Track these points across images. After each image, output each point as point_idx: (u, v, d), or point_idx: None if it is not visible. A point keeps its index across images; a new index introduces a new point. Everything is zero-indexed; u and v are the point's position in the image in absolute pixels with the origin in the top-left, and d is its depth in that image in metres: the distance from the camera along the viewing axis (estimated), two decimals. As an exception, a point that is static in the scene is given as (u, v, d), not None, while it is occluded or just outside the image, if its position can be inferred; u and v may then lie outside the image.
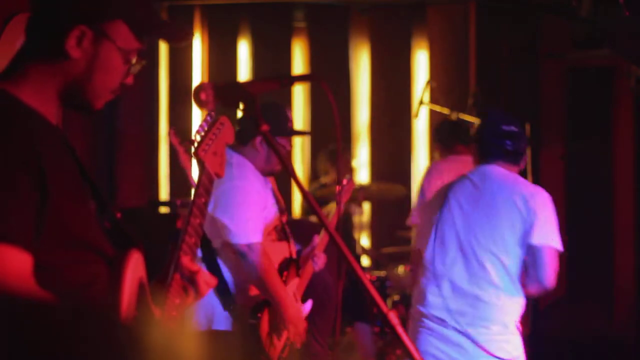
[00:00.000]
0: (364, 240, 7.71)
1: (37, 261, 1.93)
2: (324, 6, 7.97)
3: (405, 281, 6.54)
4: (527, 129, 4.92)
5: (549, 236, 3.79)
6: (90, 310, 1.69)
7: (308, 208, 7.55)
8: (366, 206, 7.69)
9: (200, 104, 2.31)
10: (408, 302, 6.29)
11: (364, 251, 7.19)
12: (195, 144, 2.47)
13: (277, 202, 4.36)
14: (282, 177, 4.03)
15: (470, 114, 6.62)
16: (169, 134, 4.84)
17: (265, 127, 2.26)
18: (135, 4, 2.12)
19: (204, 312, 4.10)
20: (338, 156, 4.12)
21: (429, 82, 7.00)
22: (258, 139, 4.22)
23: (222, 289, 4.11)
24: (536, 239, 3.78)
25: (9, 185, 1.90)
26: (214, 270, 4.00)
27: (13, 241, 1.89)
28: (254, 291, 4.17)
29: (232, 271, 4.15)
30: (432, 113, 7.54)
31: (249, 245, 4.06)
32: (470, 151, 4.09)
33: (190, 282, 2.27)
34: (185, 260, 2.27)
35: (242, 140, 4.20)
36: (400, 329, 2.08)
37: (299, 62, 8.06)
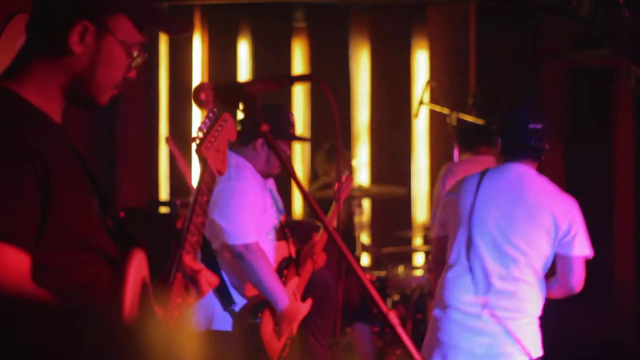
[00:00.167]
0: (364, 240, 7.70)
1: (38, 261, 1.93)
2: (324, 6, 7.97)
3: (405, 281, 6.54)
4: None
5: (583, 247, 3.90)
6: (92, 310, 1.69)
7: (309, 209, 7.55)
8: (366, 206, 7.68)
9: (200, 104, 2.31)
10: (408, 302, 6.31)
11: (364, 248, 7.17)
12: (198, 141, 2.47)
13: (276, 202, 4.36)
14: (282, 177, 4.03)
15: (470, 114, 6.62)
16: (167, 139, 4.83)
17: (265, 127, 2.25)
18: None
19: (204, 313, 4.10)
20: (338, 154, 4.11)
21: (429, 82, 6.99)
22: (259, 141, 4.22)
23: (221, 290, 4.12)
24: (573, 251, 3.89)
25: (11, 184, 1.90)
26: (213, 271, 4.00)
27: (13, 241, 1.88)
28: (253, 291, 4.17)
29: (230, 272, 4.15)
30: (432, 113, 7.54)
31: (246, 246, 4.06)
32: (494, 151, 4.07)
33: (192, 281, 2.27)
34: (188, 259, 2.27)
35: (243, 142, 4.20)
36: (400, 329, 2.08)
37: (299, 62, 8.05)
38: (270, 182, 4.39)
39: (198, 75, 7.87)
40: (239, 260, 4.08)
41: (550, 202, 3.88)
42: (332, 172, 7.14)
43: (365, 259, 7.43)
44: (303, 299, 4.32)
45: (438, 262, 4.05)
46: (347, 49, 8.03)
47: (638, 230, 7.26)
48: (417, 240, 7.74)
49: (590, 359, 6.90)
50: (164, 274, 2.23)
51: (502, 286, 3.83)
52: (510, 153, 3.95)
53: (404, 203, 7.74)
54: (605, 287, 7.07)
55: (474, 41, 7.64)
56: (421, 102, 6.70)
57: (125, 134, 7.45)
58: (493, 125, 4.72)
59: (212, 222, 4.02)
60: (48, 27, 2.06)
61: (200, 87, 2.31)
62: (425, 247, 7.17)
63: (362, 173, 7.94)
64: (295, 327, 4.27)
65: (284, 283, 4.21)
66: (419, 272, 6.80)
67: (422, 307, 6.26)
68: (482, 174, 3.96)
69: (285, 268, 4.29)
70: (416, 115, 6.88)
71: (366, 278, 2.11)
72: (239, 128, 4.09)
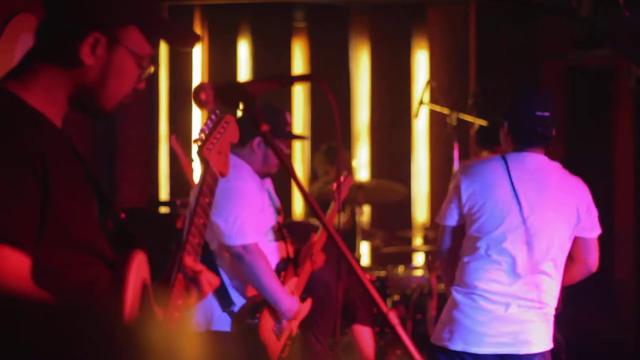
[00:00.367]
0: (364, 242, 7.70)
1: (37, 262, 1.93)
2: (324, 6, 7.97)
3: (405, 281, 6.54)
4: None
5: (597, 226, 3.99)
6: (92, 311, 1.69)
7: (309, 208, 7.55)
8: (366, 206, 7.68)
9: (200, 104, 2.31)
10: (408, 302, 6.31)
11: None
12: (200, 143, 2.47)
13: (274, 203, 4.36)
14: (282, 178, 4.03)
15: (470, 114, 6.62)
16: (170, 139, 4.84)
17: (265, 127, 2.25)
18: (147, 10, 2.12)
19: (203, 313, 4.10)
20: (338, 153, 4.11)
21: (429, 82, 7.00)
22: (256, 141, 4.22)
23: (220, 290, 4.12)
24: (591, 234, 3.97)
25: (11, 185, 1.90)
26: (212, 272, 4.00)
27: (12, 242, 1.88)
28: (252, 292, 4.17)
29: (229, 273, 4.15)
30: (432, 113, 7.54)
31: (245, 247, 4.06)
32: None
33: (193, 282, 2.27)
34: (189, 260, 2.27)
35: (240, 142, 4.20)
36: (400, 329, 2.07)
37: (299, 62, 8.05)
38: (268, 183, 4.39)
39: (198, 75, 7.87)
40: (238, 261, 4.08)
41: (571, 194, 3.92)
42: (332, 172, 7.15)
43: (365, 259, 7.43)
44: (303, 299, 4.32)
45: (453, 253, 4.00)
46: (347, 49, 8.03)
47: (638, 230, 7.26)
48: (417, 240, 7.74)
49: (590, 359, 6.89)
50: (165, 276, 2.23)
51: (529, 278, 3.84)
52: (519, 141, 3.95)
53: (404, 203, 7.73)
54: (605, 287, 7.07)
55: (474, 41, 7.64)
56: (421, 102, 6.70)
57: (126, 134, 7.45)
58: None
59: (210, 223, 4.02)
60: (59, 36, 2.05)
61: (200, 87, 2.31)
62: (425, 247, 7.17)
63: (362, 173, 7.94)
64: (295, 327, 4.27)
65: (282, 283, 4.21)
66: (419, 272, 6.80)
67: (422, 307, 6.26)
68: (505, 162, 3.92)
69: (283, 269, 4.28)
70: (416, 115, 6.89)
71: (366, 278, 2.11)
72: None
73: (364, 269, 6.79)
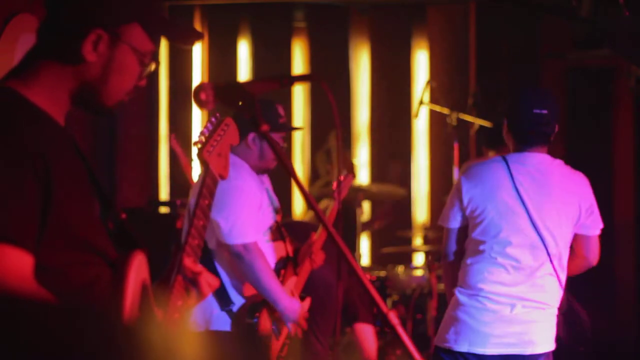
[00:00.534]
0: (364, 241, 7.70)
1: (39, 262, 1.93)
2: (324, 6, 7.97)
3: (406, 281, 6.54)
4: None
5: (598, 223, 3.98)
6: (92, 311, 1.69)
7: (308, 207, 7.55)
8: (366, 206, 7.68)
9: (200, 104, 2.31)
10: (408, 302, 6.31)
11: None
12: (199, 145, 2.47)
13: (273, 201, 4.35)
14: (282, 178, 4.02)
15: (470, 114, 6.62)
16: (170, 139, 4.84)
17: (265, 127, 2.25)
18: (149, 7, 2.13)
19: (202, 313, 4.10)
20: (338, 153, 4.11)
21: (429, 82, 7.00)
22: (250, 136, 4.21)
23: (219, 290, 4.11)
24: (593, 231, 3.97)
25: (11, 186, 1.90)
26: (211, 271, 4.00)
27: (14, 241, 1.89)
28: (251, 291, 4.17)
29: (228, 272, 4.15)
30: (432, 113, 7.54)
31: (245, 246, 4.06)
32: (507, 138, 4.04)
33: (193, 283, 2.27)
34: (188, 261, 2.27)
35: (235, 139, 4.20)
36: (400, 329, 2.07)
37: (299, 62, 8.06)
38: (267, 182, 4.39)
39: (198, 75, 7.87)
40: (238, 260, 4.08)
41: (574, 193, 3.91)
42: (333, 171, 7.16)
43: (365, 259, 7.44)
44: (303, 298, 4.32)
45: (457, 255, 3.99)
46: (347, 49, 8.03)
47: (638, 230, 7.26)
48: (417, 240, 7.74)
49: (590, 359, 6.89)
50: (165, 277, 2.23)
51: (534, 279, 3.84)
52: (520, 140, 3.93)
53: (404, 203, 7.74)
54: (606, 287, 7.07)
55: (474, 41, 7.64)
56: (421, 102, 6.70)
57: (126, 134, 7.45)
58: None
59: (210, 221, 4.02)
60: (61, 34, 2.06)
61: (200, 87, 2.31)
62: (425, 247, 7.17)
63: (362, 173, 7.94)
64: (294, 327, 4.27)
65: (282, 283, 4.21)
66: (419, 272, 6.80)
67: (422, 307, 6.26)
68: (506, 163, 3.90)
69: (282, 267, 4.28)
70: (416, 115, 6.89)
71: (366, 278, 2.11)
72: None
73: (364, 269, 6.79)
